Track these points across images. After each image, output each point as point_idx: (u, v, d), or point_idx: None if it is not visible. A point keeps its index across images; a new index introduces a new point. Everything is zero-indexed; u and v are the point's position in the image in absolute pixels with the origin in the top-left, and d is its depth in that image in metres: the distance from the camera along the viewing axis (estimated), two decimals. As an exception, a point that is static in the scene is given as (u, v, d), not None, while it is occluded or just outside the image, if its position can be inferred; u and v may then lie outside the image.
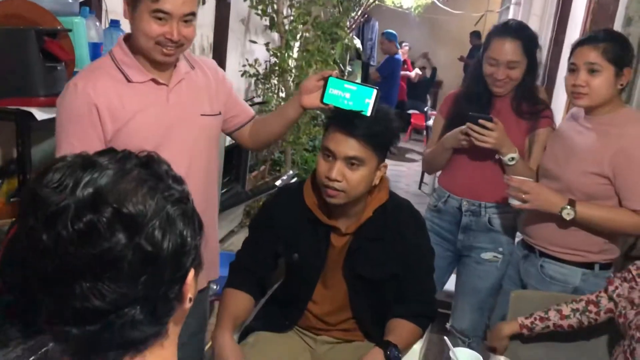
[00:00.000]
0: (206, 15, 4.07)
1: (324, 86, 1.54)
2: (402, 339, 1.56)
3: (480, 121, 1.88)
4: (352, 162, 1.50)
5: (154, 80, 1.49)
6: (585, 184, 1.76)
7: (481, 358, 1.52)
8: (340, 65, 5.37)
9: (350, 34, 5.33)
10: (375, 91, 1.49)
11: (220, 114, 1.64)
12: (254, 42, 4.42)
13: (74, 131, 1.42)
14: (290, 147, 4.41)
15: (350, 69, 6.72)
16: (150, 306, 0.67)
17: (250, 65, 4.26)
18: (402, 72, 7.21)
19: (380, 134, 1.52)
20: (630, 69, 1.74)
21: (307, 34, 4.36)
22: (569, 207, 1.73)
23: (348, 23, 5.18)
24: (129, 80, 1.47)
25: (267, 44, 4.32)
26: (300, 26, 4.26)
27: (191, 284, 0.72)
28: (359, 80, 7.38)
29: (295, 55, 4.40)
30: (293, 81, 4.33)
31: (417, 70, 7.96)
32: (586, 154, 1.77)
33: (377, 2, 6.24)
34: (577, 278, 1.83)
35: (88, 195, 0.64)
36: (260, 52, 4.49)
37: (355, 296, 1.65)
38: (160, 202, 0.67)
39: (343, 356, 1.63)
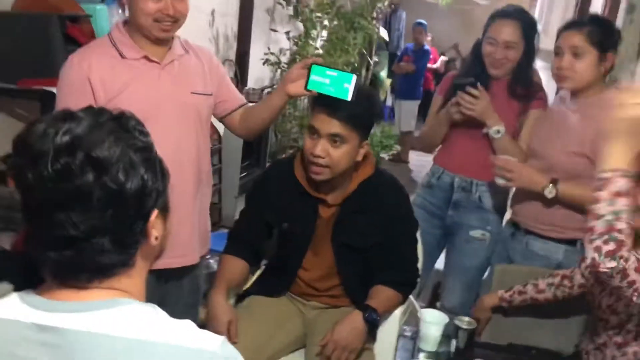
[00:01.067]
0: (230, 5, 4.19)
1: (308, 74, 1.62)
2: (381, 303, 1.67)
3: (467, 89, 1.97)
4: (334, 139, 1.61)
5: (146, 57, 1.61)
6: (567, 163, 1.83)
7: (447, 318, 1.62)
8: (366, 54, 5.44)
9: (376, 24, 5.37)
10: (354, 77, 1.56)
11: (211, 94, 1.74)
12: (275, 30, 4.52)
13: (68, 101, 1.52)
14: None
15: (377, 59, 6.77)
16: (117, 237, 0.80)
17: (271, 53, 4.36)
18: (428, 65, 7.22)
19: (361, 116, 1.62)
20: (614, 53, 1.79)
21: (329, 23, 4.44)
22: (550, 185, 1.80)
23: (375, 13, 5.22)
24: (122, 57, 1.60)
25: (287, 33, 4.41)
26: (324, 15, 4.34)
27: (155, 222, 0.85)
28: (384, 72, 7.44)
29: (318, 44, 4.50)
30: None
31: (442, 58, 7.92)
32: (569, 135, 1.83)
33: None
34: (560, 254, 1.90)
35: (65, 142, 0.77)
36: (285, 41, 4.59)
37: (342, 264, 1.76)
38: (125, 150, 0.79)
39: (331, 320, 1.72)
